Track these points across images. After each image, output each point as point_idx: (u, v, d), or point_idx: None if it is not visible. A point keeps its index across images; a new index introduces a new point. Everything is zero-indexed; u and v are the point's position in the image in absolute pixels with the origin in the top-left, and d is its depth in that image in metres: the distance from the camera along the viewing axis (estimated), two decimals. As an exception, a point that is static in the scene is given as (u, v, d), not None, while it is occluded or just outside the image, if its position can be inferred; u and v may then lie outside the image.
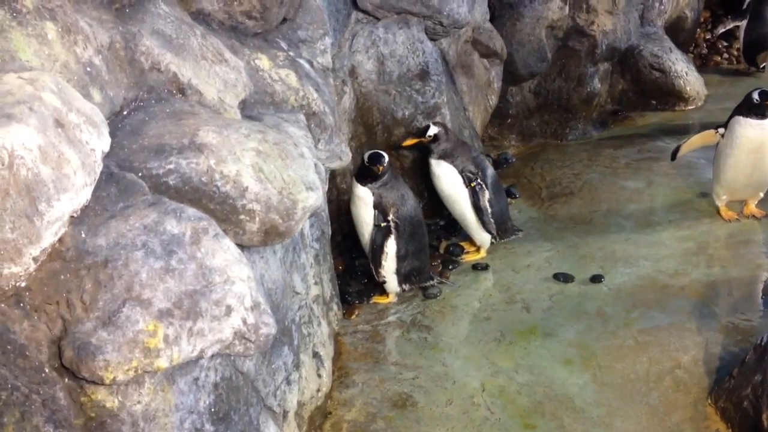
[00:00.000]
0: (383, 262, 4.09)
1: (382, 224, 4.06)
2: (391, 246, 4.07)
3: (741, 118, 4.53)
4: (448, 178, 4.46)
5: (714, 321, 3.79)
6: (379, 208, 4.06)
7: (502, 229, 4.60)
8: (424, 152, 4.62)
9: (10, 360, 1.92)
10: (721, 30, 7.40)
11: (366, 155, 4.07)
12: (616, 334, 3.79)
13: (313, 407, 3.28)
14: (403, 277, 4.17)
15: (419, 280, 4.22)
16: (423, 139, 4.48)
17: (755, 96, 4.48)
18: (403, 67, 4.74)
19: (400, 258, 4.11)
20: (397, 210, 4.06)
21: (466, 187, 4.43)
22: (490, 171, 4.57)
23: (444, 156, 4.45)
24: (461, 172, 4.43)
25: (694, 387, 3.43)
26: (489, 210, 4.44)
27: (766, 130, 4.51)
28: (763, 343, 3.17)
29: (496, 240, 4.60)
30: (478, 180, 4.43)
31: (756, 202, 4.79)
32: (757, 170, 4.61)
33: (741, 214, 4.78)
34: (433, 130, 4.45)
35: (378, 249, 4.07)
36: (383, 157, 4.06)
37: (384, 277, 4.13)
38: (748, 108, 4.51)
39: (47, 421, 1.96)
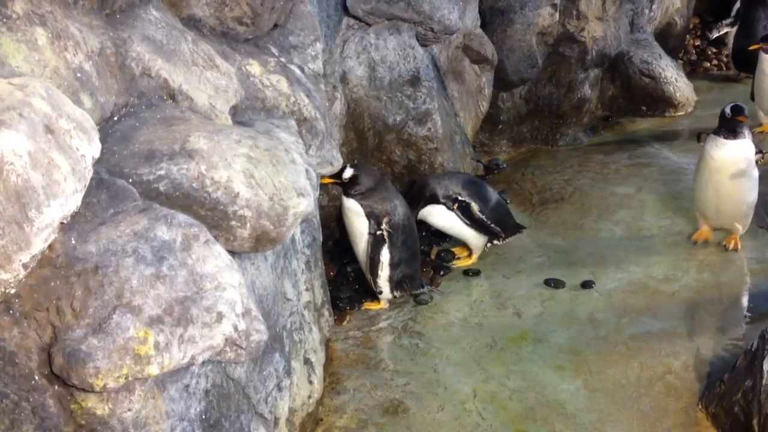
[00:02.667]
0: (379, 272, 4.08)
1: (377, 233, 4.04)
2: (385, 255, 4.06)
3: (713, 134, 4.27)
4: (434, 216, 4.51)
5: (704, 326, 3.80)
6: (373, 217, 4.04)
7: (505, 228, 4.58)
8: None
9: (0, 367, 1.91)
10: (715, 35, 7.42)
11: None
12: (607, 340, 3.80)
13: (304, 414, 3.27)
14: (395, 284, 4.15)
15: (411, 287, 4.21)
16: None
17: (727, 110, 4.20)
18: (394, 73, 4.75)
19: (393, 266, 4.09)
20: (390, 219, 4.05)
21: (452, 211, 4.44)
22: (465, 179, 4.59)
23: (418, 204, 4.45)
24: (440, 202, 4.45)
25: (685, 392, 3.44)
26: (485, 218, 4.44)
27: (729, 153, 4.20)
28: (753, 349, 3.18)
29: (501, 241, 4.59)
30: (458, 198, 4.42)
31: (739, 234, 4.43)
32: (721, 197, 4.28)
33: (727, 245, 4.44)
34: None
35: (375, 258, 4.06)
36: (346, 168, 3.96)
37: (380, 287, 4.12)
38: (720, 124, 4.25)
39: (37, 429, 1.94)
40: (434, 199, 4.46)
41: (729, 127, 4.20)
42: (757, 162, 4.26)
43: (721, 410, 3.25)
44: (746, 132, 4.22)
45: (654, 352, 3.66)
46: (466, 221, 4.45)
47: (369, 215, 4.04)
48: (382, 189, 4.12)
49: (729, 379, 3.27)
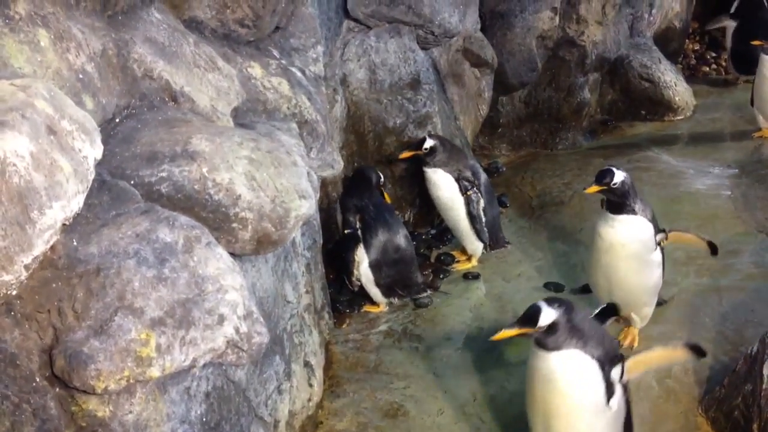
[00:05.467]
0: (354, 270, 4.08)
1: (468, 193, 4.19)
2: (361, 254, 4.06)
3: (604, 207, 3.62)
4: (444, 185, 4.46)
5: (704, 330, 3.80)
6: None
7: (493, 239, 4.59)
8: (416, 160, 4.61)
9: (1, 369, 1.91)
10: (713, 26, 7.41)
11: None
12: (607, 344, 3.79)
13: (304, 417, 3.26)
14: (386, 289, 4.15)
15: (408, 293, 4.20)
16: (419, 152, 4.47)
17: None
18: (394, 76, 4.75)
19: (375, 267, 4.09)
20: (363, 217, 4.06)
21: (462, 195, 4.43)
22: (484, 178, 4.58)
23: (440, 164, 4.45)
24: (458, 180, 4.43)
25: (684, 397, 3.43)
26: (483, 218, 4.44)
27: (620, 232, 3.54)
28: (753, 353, 3.18)
29: (486, 251, 4.59)
30: (474, 188, 4.43)
31: (640, 324, 3.76)
32: (612, 282, 3.63)
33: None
34: (429, 143, 4.43)
35: (347, 256, 4.07)
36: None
37: (357, 285, 4.12)
38: (606, 196, 3.57)
39: (38, 431, 1.94)
40: (454, 173, 4.46)
41: (612, 200, 3.54)
42: (659, 243, 3.59)
43: (721, 414, 3.25)
44: (638, 206, 3.52)
45: (654, 356, 3.65)
46: (468, 212, 4.44)
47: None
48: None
49: (729, 383, 3.27)
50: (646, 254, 3.57)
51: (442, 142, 4.50)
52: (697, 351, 3.05)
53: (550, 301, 2.82)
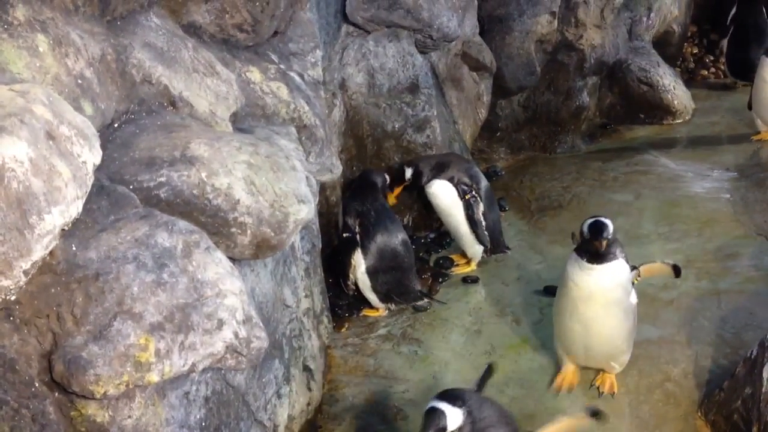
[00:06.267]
0: (350, 274, 4.08)
1: (467, 197, 4.19)
2: (358, 259, 4.06)
3: (574, 253, 3.32)
4: (442, 194, 4.47)
5: (703, 334, 3.80)
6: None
7: (494, 243, 4.58)
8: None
9: (0, 374, 1.91)
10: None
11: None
12: (607, 347, 3.79)
13: (303, 421, 3.26)
14: (382, 295, 4.14)
15: (405, 300, 4.19)
16: (406, 183, 4.51)
17: (584, 228, 3.24)
18: (393, 80, 4.75)
19: (371, 273, 4.08)
20: (363, 222, 4.06)
21: (461, 199, 4.43)
22: (484, 183, 4.58)
23: (432, 177, 4.46)
24: (455, 185, 4.43)
25: (684, 400, 3.43)
26: (483, 223, 4.44)
27: (598, 280, 3.25)
28: (752, 356, 3.18)
29: (487, 255, 4.59)
30: (473, 192, 4.43)
31: (619, 370, 3.50)
32: (591, 332, 3.36)
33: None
34: (408, 172, 4.49)
35: (344, 260, 4.07)
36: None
37: (352, 289, 4.12)
38: (582, 242, 3.26)
39: (37, 436, 1.94)
40: (450, 179, 4.46)
41: (589, 250, 3.23)
42: (633, 283, 3.37)
43: (721, 418, 3.25)
44: (618, 250, 3.26)
45: (653, 360, 3.66)
46: (467, 216, 4.44)
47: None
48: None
49: (728, 386, 3.27)
50: (626, 298, 3.34)
51: (423, 162, 4.50)
52: (596, 415, 3.04)
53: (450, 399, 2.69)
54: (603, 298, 3.29)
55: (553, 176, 5.68)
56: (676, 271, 3.52)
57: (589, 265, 3.23)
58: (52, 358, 1.92)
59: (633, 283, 3.37)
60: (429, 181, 4.46)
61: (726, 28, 7.20)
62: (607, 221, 3.22)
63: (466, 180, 4.44)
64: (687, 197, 5.19)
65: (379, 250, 4.08)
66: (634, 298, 3.40)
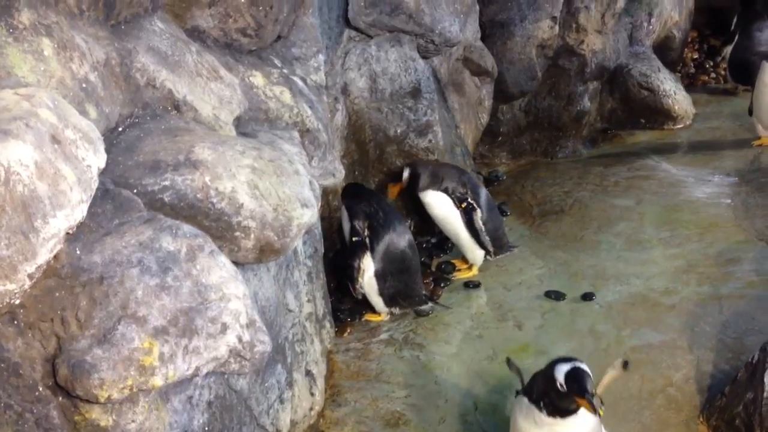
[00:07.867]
0: (358, 278, 4.07)
1: (464, 206, 4.21)
2: (367, 263, 4.06)
3: (526, 401, 2.81)
4: (437, 204, 4.49)
5: (705, 339, 3.80)
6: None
7: (497, 245, 4.59)
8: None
9: (4, 378, 1.91)
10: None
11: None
12: (608, 352, 3.79)
13: (305, 426, 3.26)
14: (388, 299, 4.14)
15: (410, 304, 4.19)
16: (402, 184, 4.54)
17: (559, 377, 2.62)
18: (395, 85, 4.76)
19: (379, 277, 4.07)
20: (372, 224, 4.06)
21: (458, 208, 4.43)
22: (483, 190, 4.58)
23: (427, 186, 4.47)
24: (450, 195, 4.44)
25: (686, 405, 3.43)
26: (483, 229, 4.44)
27: None
28: (754, 361, 3.18)
29: (491, 257, 4.59)
30: (469, 199, 4.43)
31: None
32: None
33: None
34: (405, 174, 4.52)
35: (353, 264, 4.06)
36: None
37: (360, 293, 4.11)
38: (544, 389, 2.72)
39: (40, 440, 1.94)
40: (445, 190, 4.47)
41: (558, 403, 2.66)
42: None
43: (723, 423, 3.25)
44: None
45: (655, 365, 3.66)
46: (466, 224, 4.44)
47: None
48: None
49: (730, 391, 3.27)
50: None
51: (421, 167, 4.52)
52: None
53: None
54: None
55: (555, 181, 5.69)
56: (625, 365, 3.04)
57: (551, 420, 2.66)
58: (56, 362, 1.92)
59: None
60: (424, 190, 4.48)
61: (731, 35, 7.21)
62: (586, 368, 2.64)
63: (460, 189, 4.45)
64: (688, 202, 5.19)
65: (388, 252, 4.07)
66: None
